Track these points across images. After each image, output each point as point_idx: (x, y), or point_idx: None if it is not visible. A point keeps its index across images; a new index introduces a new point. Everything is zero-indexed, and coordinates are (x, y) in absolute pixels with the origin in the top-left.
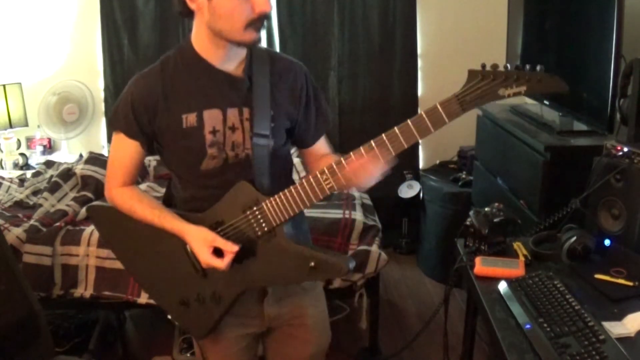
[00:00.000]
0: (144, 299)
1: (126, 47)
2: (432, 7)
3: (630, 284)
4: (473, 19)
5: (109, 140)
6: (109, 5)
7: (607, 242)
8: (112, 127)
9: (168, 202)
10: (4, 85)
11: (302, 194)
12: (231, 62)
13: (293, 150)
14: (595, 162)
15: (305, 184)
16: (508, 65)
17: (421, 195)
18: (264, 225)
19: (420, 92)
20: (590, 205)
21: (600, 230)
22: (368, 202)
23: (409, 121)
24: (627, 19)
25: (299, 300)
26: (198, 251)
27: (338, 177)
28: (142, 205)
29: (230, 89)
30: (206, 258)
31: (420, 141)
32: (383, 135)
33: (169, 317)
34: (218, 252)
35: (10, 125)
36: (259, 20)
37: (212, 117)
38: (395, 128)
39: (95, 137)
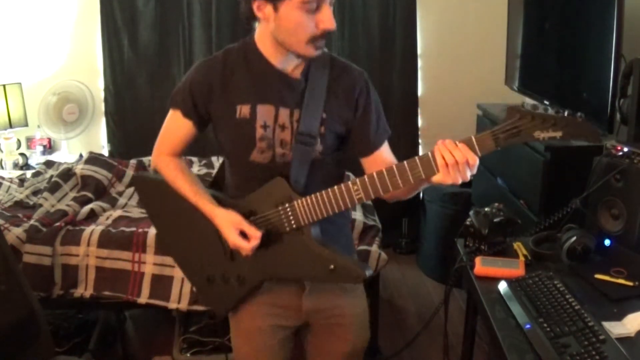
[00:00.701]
0: (144, 298)
1: (126, 47)
2: (432, 7)
3: (630, 284)
4: (473, 19)
5: (109, 140)
6: (109, 5)
7: (607, 242)
8: (171, 104)
9: (218, 181)
10: (4, 85)
11: (333, 199)
12: (290, 63)
13: None
14: (595, 162)
15: (336, 190)
16: (549, 108)
17: (421, 195)
18: (293, 222)
19: (420, 92)
20: (590, 205)
21: (600, 230)
22: (368, 202)
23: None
24: (627, 19)
25: (338, 299)
26: (226, 232)
27: (368, 190)
28: (185, 178)
29: (286, 89)
30: (233, 239)
31: (420, 141)
32: (416, 158)
33: (194, 289)
34: (245, 237)
35: (10, 125)
36: (322, 37)
37: (264, 112)
38: (429, 153)
39: (95, 137)
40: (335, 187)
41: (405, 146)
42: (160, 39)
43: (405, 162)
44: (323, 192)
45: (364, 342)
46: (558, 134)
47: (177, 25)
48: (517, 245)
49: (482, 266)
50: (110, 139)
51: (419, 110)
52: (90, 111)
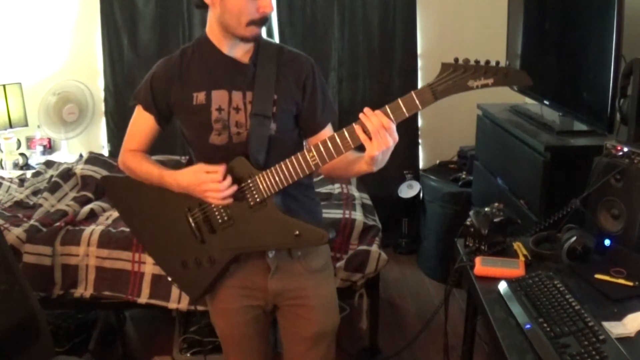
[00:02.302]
0: (144, 298)
1: (126, 47)
2: (432, 7)
3: (630, 284)
4: (473, 19)
5: (109, 140)
6: (109, 5)
7: (607, 242)
8: (133, 101)
9: None
10: (4, 85)
11: (291, 168)
12: (238, 49)
13: None
14: (595, 162)
15: (294, 159)
16: (479, 60)
17: (421, 195)
18: (256, 196)
19: None
20: (590, 205)
21: (600, 230)
22: (368, 202)
23: (386, 106)
24: (627, 19)
25: (303, 281)
26: (195, 179)
27: (322, 154)
28: (149, 162)
29: (237, 74)
30: (204, 178)
31: (420, 141)
32: (353, 124)
33: (169, 279)
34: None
35: (10, 125)
36: (260, 20)
37: (219, 97)
38: (376, 111)
39: (95, 137)
40: (292, 156)
41: (406, 146)
42: (160, 39)
43: (344, 128)
44: (282, 163)
45: (333, 324)
46: (490, 81)
47: (177, 25)
48: (517, 245)
49: (482, 266)
50: (110, 139)
51: (419, 111)
52: (90, 111)
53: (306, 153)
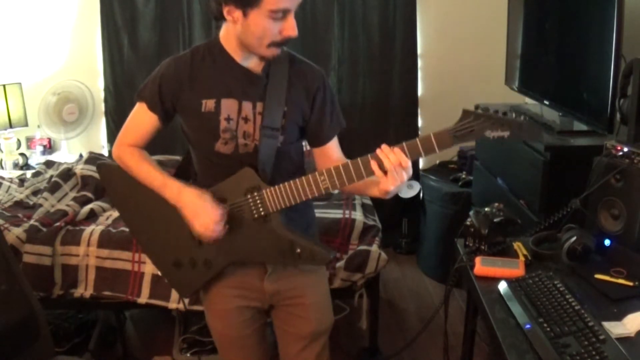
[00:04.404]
0: (144, 298)
1: (126, 47)
2: (432, 7)
3: (630, 284)
4: (473, 19)
5: (109, 140)
6: (109, 5)
7: (607, 242)
8: (137, 98)
9: (184, 172)
10: (4, 85)
11: (300, 188)
12: (253, 60)
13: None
14: (595, 162)
15: (304, 180)
16: (498, 110)
17: (421, 195)
18: (261, 209)
19: (420, 92)
20: (590, 205)
21: (600, 230)
22: (368, 202)
23: (404, 144)
24: (627, 19)
25: (299, 281)
26: (198, 203)
27: (334, 179)
28: (150, 164)
29: (248, 84)
30: (205, 209)
31: None
32: (368, 155)
33: (160, 273)
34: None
35: (10, 125)
36: (282, 42)
37: (228, 106)
38: (369, 155)
39: (95, 137)
40: (303, 177)
41: None
42: (160, 39)
43: (359, 158)
44: (291, 181)
45: (328, 322)
46: (505, 134)
47: (177, 25)
48: (517, 245)
49: (482, 266)
50: (110, 139)
51: (419, 110)
52: (90, 111)
53: (317, 176)
